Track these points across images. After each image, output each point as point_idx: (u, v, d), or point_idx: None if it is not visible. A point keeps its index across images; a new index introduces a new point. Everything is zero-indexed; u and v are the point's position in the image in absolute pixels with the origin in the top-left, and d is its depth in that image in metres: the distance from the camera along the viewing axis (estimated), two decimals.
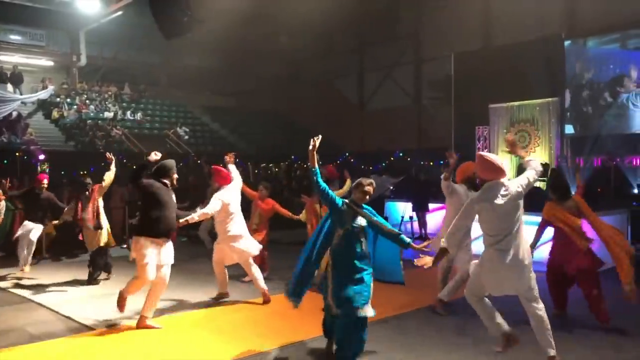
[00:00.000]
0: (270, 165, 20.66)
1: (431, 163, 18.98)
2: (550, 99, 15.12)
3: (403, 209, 13.59)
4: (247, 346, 5.45)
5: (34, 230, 9.31)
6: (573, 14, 17.60)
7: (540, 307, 4.64)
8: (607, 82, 14.43)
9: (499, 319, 4.76)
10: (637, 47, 14.01)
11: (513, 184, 4.61)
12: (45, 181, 9.59)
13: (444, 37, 21.03)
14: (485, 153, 4.80)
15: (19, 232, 9.38)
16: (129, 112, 22.73)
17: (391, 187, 16.33)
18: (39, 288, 8.29)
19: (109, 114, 21.74)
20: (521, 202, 4.61)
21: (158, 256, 6.02)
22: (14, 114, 19.20)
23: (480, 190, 4.68)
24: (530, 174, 4.69)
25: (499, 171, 4.59)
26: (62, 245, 11.28)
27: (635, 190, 12.20)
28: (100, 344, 5.65)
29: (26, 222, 9.40)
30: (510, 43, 16.85)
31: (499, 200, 4.50)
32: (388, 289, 8.06)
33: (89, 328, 6.20)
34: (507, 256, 4.50)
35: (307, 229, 8.46)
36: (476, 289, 4.78)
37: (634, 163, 13.52)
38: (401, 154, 21.09)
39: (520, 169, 15.51)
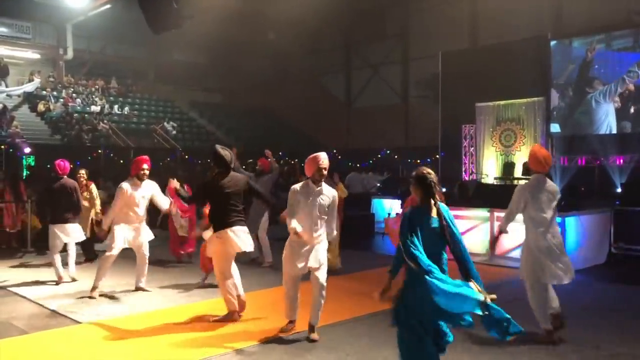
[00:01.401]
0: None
1: (418, 161, 19.10)
2: (536, 98, 15.29)
3: (390, 206, 13.67)
4: (231, 341, 5.47)
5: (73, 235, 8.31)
6: (559, 15, 17.78)
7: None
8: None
9: None
10: (620, 48, 14.20)
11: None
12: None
13: (432, 36, 21.16)
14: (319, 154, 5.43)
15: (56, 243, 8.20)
16: (116, 107, 22.61)
17: (378, 184, 16.43)
18: (23, 281, 8.25)
19: (95, 108, 21.63)
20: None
21: None
22: None
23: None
24: None
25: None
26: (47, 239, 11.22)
27: (619, 190, 12.35)
28: (87, 337, 5.64)
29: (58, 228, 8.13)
30: (497, 43, 17.00)
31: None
32: (364, 284, 8.15)
33: (74, 321, 6.19)
34: None
35: None
36: None
37: (618, 162, 13.69)
38: (388, 152, 21.20)
39: (507, 167, 15.67)
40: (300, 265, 5.39)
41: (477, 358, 4.98)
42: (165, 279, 8.34)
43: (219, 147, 6.19)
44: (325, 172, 5.46)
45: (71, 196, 8.18)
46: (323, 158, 5.47)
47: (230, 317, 6.16)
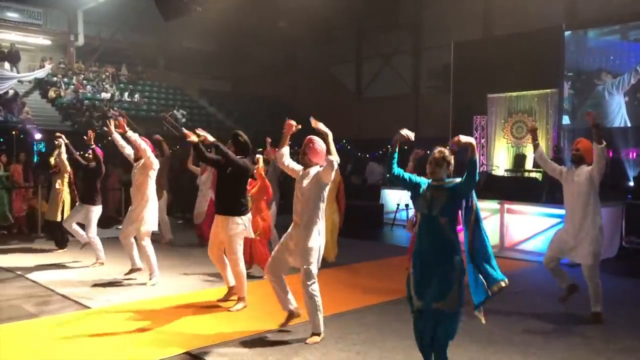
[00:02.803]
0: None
1: (428, 152, 18.97)
2: (548, 90, 15.14)
3: (399, 198, 13.61)
4: (241, 328, 5.48)
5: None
6: (574, 5, 17.53)
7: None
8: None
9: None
10: (638, 38, 14.01)
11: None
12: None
13: (444, 26, 20.95)
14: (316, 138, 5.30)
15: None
16: (126, 94, 22.63)
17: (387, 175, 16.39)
18: (33, 266, 8.32)
19: (106, 95, 21.65)
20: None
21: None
22: (11, 92, 19.08)
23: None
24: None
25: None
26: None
27: (631, 184, 12.24)
28: (97, 322, 5.67)
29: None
30: (510, 33, 16.81)
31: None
32: (373, 274, 8.14)
33: (85, 306, 6.23)
34: None
35: None
36: None
37: (631, 156, 13.56)
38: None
39: (517, 159, 15.55)
40: (285, 253, 5.23)
41: (485, 348, 4.95)
42: (180, 265, 8.37)
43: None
44: (305, 157, 5.32)
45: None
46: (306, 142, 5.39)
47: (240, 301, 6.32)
